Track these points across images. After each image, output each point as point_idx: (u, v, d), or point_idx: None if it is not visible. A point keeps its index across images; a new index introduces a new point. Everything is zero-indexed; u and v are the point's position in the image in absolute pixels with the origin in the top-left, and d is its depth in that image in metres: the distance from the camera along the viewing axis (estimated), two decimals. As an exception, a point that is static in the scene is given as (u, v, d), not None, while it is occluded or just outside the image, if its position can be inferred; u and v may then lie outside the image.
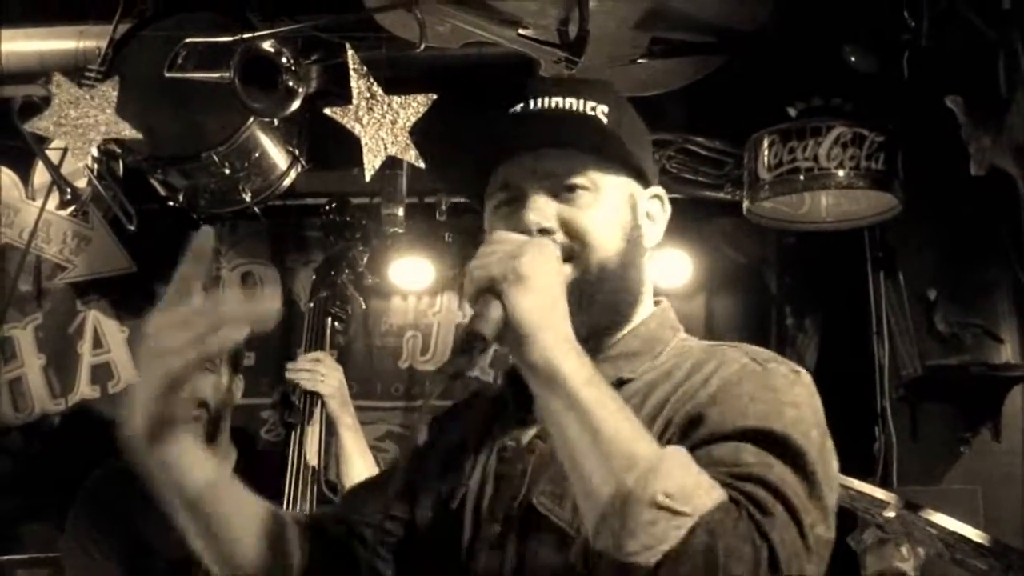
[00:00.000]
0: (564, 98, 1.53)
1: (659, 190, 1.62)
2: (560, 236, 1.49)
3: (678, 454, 1.27)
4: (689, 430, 1.38)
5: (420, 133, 3.19)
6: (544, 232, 1.47)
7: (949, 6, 3.13)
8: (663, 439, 1.39)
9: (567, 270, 1.46)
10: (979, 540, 2.47)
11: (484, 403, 1.72)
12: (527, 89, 1.56)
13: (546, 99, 1.54)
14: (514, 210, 1.52)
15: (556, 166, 1.51)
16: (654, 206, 1.62)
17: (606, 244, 1.51)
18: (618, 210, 1.54)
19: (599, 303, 1.51)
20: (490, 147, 1.56)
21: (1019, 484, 3.84)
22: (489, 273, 1.34)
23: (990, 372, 3.82)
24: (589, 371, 1.32)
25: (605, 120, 1.54)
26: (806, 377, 1.47)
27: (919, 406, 4.09)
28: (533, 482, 1.50)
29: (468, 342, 1.31)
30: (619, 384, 1.49)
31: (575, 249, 1.49)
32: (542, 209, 1.49)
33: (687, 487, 1.22)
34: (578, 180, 1.51)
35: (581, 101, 1.54)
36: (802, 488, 1.31)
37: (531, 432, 1.55)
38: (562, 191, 1.51)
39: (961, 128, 3.13)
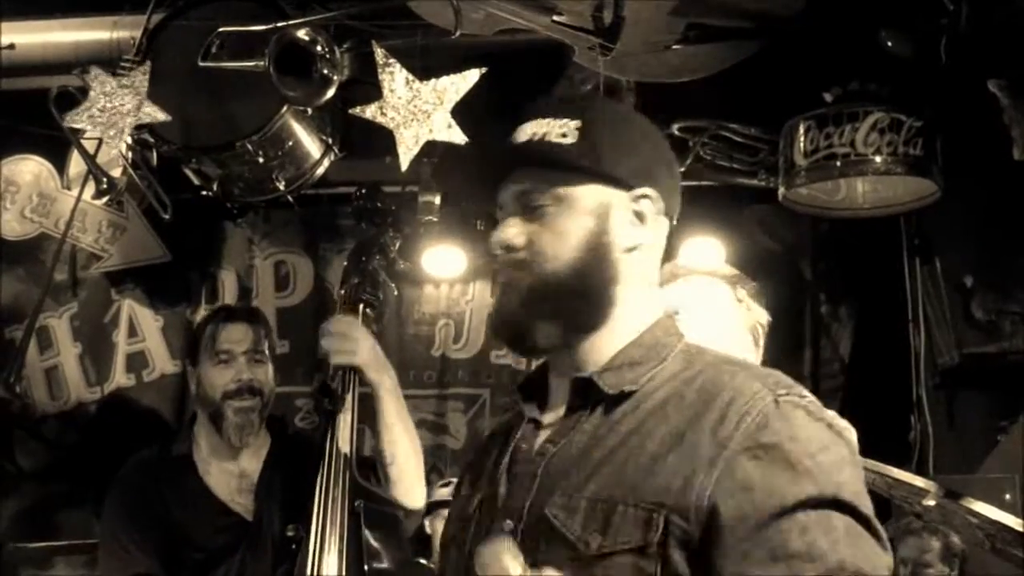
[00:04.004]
0: (541, 119, 1.65)
1: (647, 190, 1.65)
2: (522, 253, 1.61)
3: None
4: (720, 517, 1.41)
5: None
6: (509, 249, 1.61)
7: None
8: (684, 476, 1.43)
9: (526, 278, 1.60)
10: (1020, 529, 2.46)
11: (512, 417, 1.78)
12: (520, 115, 1.69)
13: (526, 125, 1.66)
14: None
15: (527, 187, 1.64)
16: (644, 205, 1.64)
17: (557, 254, 1.60)
18: (581, 220, 1.62)
19: (556, 308, 1.60)
20: (480, 177, 1.72)
21: (1058, 472, 3.81)
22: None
23: (1028, 359, 3.80)
24: None
25: (576, 135, 1.62)
26: (814, 405, 1.49)
27: (956, 394, 4.07)
28: (544, 488, 1.55)
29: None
30: (621, 397, 1.56)
31: (532, 261, 1.60)
32: (510, 229, 1.63)
33: None
34: (543, 199, 1.62)
35: (554, 121, 1.64)
36: (868, 545, 1.39)
37: (542, 437, 1.61)
38: (532, 210, 1.63)
39: (1003, 112, 3.10)
